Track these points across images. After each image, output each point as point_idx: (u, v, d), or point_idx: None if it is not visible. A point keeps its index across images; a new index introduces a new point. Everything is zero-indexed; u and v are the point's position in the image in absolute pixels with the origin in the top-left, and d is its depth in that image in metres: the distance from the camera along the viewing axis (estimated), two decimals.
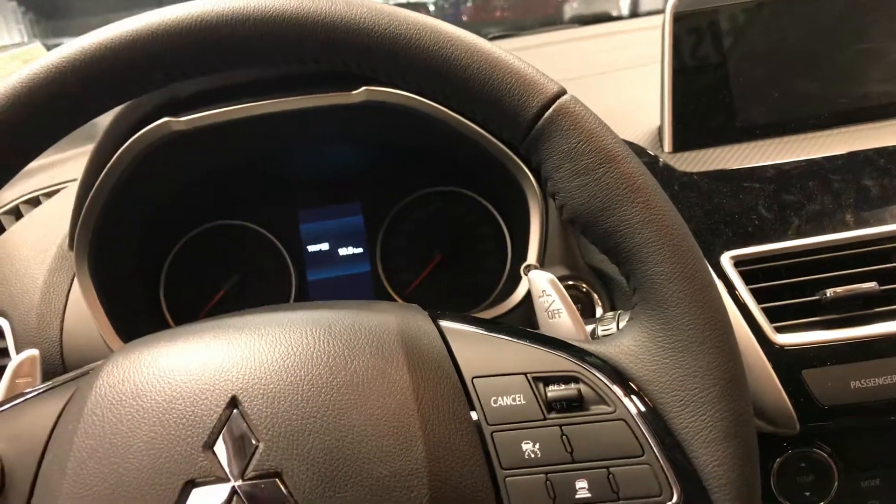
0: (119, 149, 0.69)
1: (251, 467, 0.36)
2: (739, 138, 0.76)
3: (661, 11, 0.77)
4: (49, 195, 0.93)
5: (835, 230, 0.66)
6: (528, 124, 0.43)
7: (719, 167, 0.74)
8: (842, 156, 0.72)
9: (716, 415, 0.40)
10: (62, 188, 0.93)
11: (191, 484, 0.36)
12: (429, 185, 0.91)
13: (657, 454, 0.39)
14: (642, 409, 0.40)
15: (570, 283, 0.75)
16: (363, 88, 0.70)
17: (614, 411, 0.40)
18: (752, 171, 0.72)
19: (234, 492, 0.36)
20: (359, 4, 0.43)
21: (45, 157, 1.04)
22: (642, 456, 0.39)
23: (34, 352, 0.50)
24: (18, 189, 0.95)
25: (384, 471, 0.36)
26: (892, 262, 0.65)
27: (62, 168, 0.99)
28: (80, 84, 0.42)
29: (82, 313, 0.72)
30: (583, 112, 0.43)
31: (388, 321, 0.43)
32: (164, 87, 0.45)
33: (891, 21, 0.78)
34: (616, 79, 1.02)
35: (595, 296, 0.75)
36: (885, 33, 0.78)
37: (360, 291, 0.90)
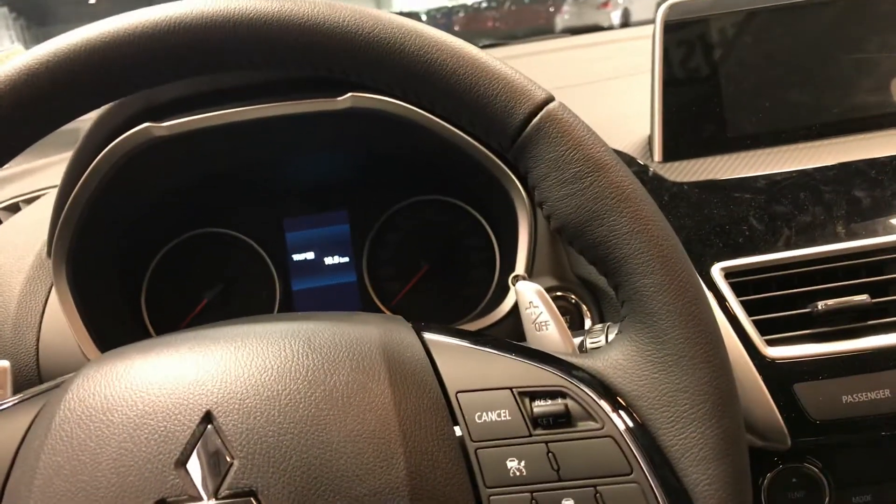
0: (99, 154, 0.68)
1: (225, 486, 0.35)
2: (730, 148, 0.76)
3: (652, 21, 0.77)
4: (29, 201, 0.92)
5: (826, 242, 0.66)
6: (515, 131, 0.42)
7: (710, 177, 0.73)
8: (833, 167, 0.72)
9: (706, 432, 0.39)
10: (42, 194, 0.92)
11: (162, 503, 0.34)
12: (417, 194, 0.89)
13: (646, 472, 0.38)
14: (631, 425, 0.39)
15: (559, 293, 0.74)
16: (349, 95, 0.69)
17: (602, 427, 0.39)
18: (743, 182, 0.72)
19: None
20: (342, 7, 0.42)
21: (26, 162, 1.02)
22: (631, 474, 0.38)
23: (5, 363, 0.49)
24: None
25: (363, 489, 0.35)
26: (883, 275, 0.64)
27: (43, 174, 0.98)
28: (53, 86, 0.41)
29: (59, 323, 0.71)
30: (571, 119, 0.42)
31: (369, 334, 0.41)
32: (141, 90, 0.44)
33: (882, 31, 0.77)
34: (606, 88, 1.01)
35: (584, 307, 0.74)
36: (876, 44, 0.78)
37: (345, 301, 0.89)
